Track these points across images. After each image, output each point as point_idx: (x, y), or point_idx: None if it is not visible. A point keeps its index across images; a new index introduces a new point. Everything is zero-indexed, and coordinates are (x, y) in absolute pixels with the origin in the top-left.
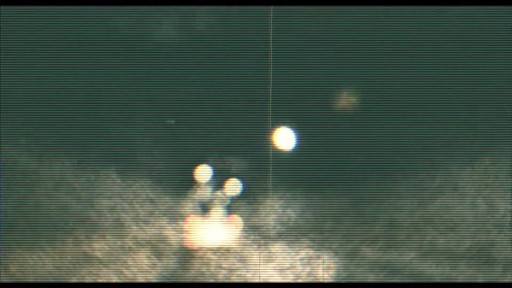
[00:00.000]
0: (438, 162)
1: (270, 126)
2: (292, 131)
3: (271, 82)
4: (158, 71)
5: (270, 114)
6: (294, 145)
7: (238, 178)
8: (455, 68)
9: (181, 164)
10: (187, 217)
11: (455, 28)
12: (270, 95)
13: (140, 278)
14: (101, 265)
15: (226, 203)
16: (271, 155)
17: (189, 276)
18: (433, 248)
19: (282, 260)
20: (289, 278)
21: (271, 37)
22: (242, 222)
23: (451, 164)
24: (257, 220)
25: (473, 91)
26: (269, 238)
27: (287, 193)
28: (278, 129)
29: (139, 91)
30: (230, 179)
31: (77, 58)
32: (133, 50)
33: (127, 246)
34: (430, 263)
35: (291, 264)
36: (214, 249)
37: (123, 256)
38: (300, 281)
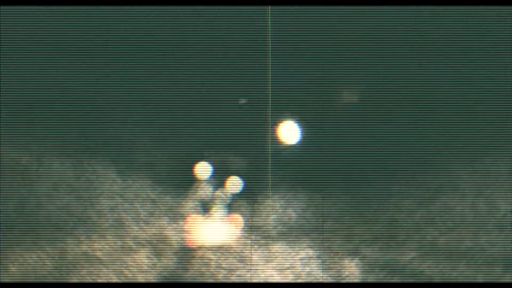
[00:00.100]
0: (439, 162)
1: (270, 125)
2: (293, 125)
3: (269, 82)
4: (157, 71)
5: (270, 113)
6: (295, 141)
7: (237, 176)
8: (456, 70)
9: (180, 163)
10: (187, 216)
11: (457, 29)
12: (270, 95)
13: (141, 273)
14: (101, 265)
15: (227, 202)
16: (270, 154)
17: (189, 274)
18: (433, 248)
19: (282, 260)
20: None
21: (269, 36)
22: (243, 221)
23: (452, 164)
24: (256, 219)
25: (474, 92)
26: (270, 238)
27: (286, 193)
28: (281, 123)
29: (138, 91)
30: (230, 178)
31: (77, 58)
32: (133, 50)
33: (127, 246)
34: (430, 263)
35: (290, 263)
36: (214, 247)
37: (123, 256)
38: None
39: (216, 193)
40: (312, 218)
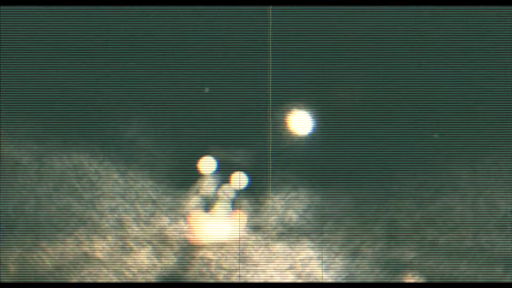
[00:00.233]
0: (439, 162)
1: (270, 125)
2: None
3: (270, 81)
4: (157, 71)
5: (270, 113)
6: (306, 132)
7: (240, 176)
8: (456, 70)
9: (180, 161)
10: (189, 214)
11: (457, 29)
12: (270, 95)
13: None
14: (100, 265)
15: (229, 200)
16: (270, 155)
17: (190, 272)
18: (433, 248)
19: (283, 261)
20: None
21: (270, 36)
22: (246, 218)
23: (452, 164)
24: (258, 219)
25: (474, 92)
26: (270, 236)
27: (287, 193)
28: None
29: (139, 91)
30: (231, 177)
31: (78, 58)
32: (133, 50)
33: (128, 245)
34: (430, 263)
35: (289, 262)
36: (215, 244)
37: (123, 256)
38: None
39: (217, 191)
40: (313, 218)
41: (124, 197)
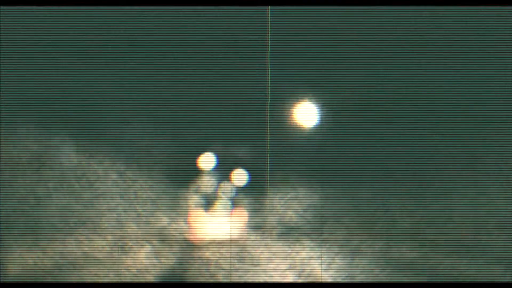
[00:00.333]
0: (439, 162)
1: (268, 124)
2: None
3: (269, 81)
4: (157, 71)
5: (269, 113)
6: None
7: (239, 176)
8: (456, 70)
9: (178, 161)
10: (188, 213)
11: (457, 29)
12: (269, 94)
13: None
14: (100, 265)
15: (229, 198)
16: (268, 154)
17: (190, 269)
18: (434, 248)
19: (283, 260)
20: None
21: (269, 36)
22: (247, 216)
23: (452, 164)
24: (258, 219)
25: (474, 92)
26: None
27: (285, 193)
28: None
29: (139, 91)
30: (231, 175)
31: (78, 58)
32: (133, 50)
33: (127, 247)
34: (431, 263)
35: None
36: (216, 242)
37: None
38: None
39: (219, 187)
40: (312, 218)
41: (123, 196)
